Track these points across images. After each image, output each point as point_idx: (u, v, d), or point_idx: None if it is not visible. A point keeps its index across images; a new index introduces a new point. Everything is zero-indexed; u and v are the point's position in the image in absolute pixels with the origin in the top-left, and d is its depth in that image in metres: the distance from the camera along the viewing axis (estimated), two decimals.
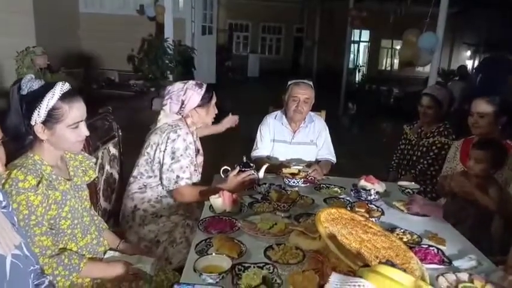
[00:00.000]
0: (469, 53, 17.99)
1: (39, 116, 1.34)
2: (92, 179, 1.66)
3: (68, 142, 1.42)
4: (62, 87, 1.38)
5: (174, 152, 1.92)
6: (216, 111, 2.15)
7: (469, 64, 17.98)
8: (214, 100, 2.11)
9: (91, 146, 1.83)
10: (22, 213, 1.25)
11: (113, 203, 2.09)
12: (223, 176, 2.11)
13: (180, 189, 1.94)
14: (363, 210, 1.64)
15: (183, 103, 2.01)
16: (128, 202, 2.01)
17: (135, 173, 2.02)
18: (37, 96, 1.34)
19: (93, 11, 9.54)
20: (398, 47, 18.05)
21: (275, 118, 2.70)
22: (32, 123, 1.35)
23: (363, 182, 2.11)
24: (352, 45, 12.04)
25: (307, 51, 14.52)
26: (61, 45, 8.23)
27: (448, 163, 2.41)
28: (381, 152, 5.71)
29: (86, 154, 1.66)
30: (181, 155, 1.92)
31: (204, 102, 2.05)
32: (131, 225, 1.99)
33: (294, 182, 2.07)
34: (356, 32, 11.92)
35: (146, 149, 1.99)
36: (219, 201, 1.75)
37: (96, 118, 1.98)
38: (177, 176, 1.92)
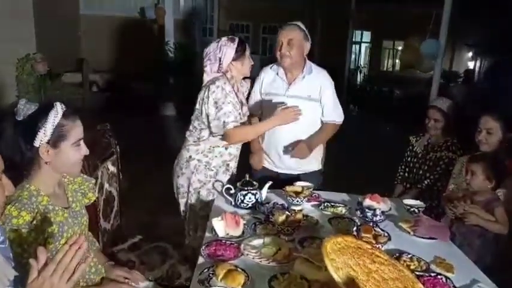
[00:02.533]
0: (470, 54, 17.90)
1: (45, 135, 1.33)
2: (91, 201, 1.62)
3: (70, 162, 1.41)
4: (62, 106, 1.38)
5: (216, 101, 2.11)
6: (252, 62, 2.30)
7: (471, 65, 17.93)
8: (248, 52, 2.26)
9: (90, 166, 1.79)
10: (15, 251, 1.21)
11: (111, 221, 2.04)
12: (226, 196, 2.07)
13: (228, 132, 2.12)
14: (369, 236, 1.59)
15: (220, 60, 2.19)
16: (184, 152, 2.29)
17: (190, 127, 2.28)
18: (39, 117, 1.34)
19: (93, 13, 9.51)
20: (399, 48, 18.12)
21: (271, 68, 2.48)
22: (36, 144, 1.33)
23: (368, 202, 2.06)
24: (354, 46, 12.02)
25: (308, 52, 14.46)
26: (61, 48, 8.19)
27: (454, 179, 2.37)
28: (385, 158, 5.68)
29: (85, 176, 1.62)
30: (222, 103, 2.12)
31: (238, 54, 2.21)
32: (184, 172, 2.27)
33: (297, 201, 2.02)
34: (357, 32, 11.90)
35: (196, 105, 2.22)
36: (221, 223, 1.70)
37: (95, 135, 1.93)
38: (224, 122, 2.10)
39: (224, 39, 2.24)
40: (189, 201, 2.33)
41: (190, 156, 2.27)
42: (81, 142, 1.44)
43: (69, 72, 8.07)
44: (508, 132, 2.14)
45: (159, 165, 4.56)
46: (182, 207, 2.40)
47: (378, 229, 1.71)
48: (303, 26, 2.36)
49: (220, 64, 2.21)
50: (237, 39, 2.24)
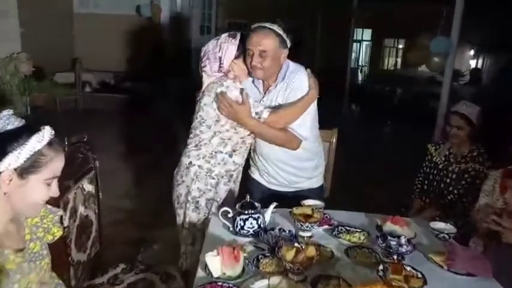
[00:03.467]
0: (472, 52, 17.60)
1: (17, 159, 1.07)
2: (55, 238, 1.31)
3: (31, 200, 1.14)
4: (50, 132, 1.13)
5: (236, 101, 1.89)
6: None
7: (473, 64, 17.65)
8: None
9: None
10: None
11: (88, 251, 1.74)
12: (222, 220, 1.77)
13: (268, 120, 1.93)
14: (399, 278, 1.29)
15: (220, 59, 1.96)
16: (184, 159, 2.07)
17: (191, 135, 2.06)
18: (17, 137, 1.08)
19: (87, 11, 9.19)
20: (401, 46, 17.80)
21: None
22: (1, 169, 1.06)
23: (389, 226, 1.77)
24: (355, 44, 11.70)
25: (309, 50, 14.15)
26: (55, 47, 7.88)
27: (485, 197, 2.06)
28: (395, 165, 5.38)
29: (50, 207, 1.31)
30: (240, 99, 1.90)
31: (240, 51, 1.98)
32: (184, 180, 2.05)
33: (307, 227, 1.71)
34: (358, 30, 11.58)
35: (198, 112, 2.01)
36: (217, 260, 1.40)
37: (68, 151, 1.62)
38: (256, 113, 1.92)
39: (224, 35, 2.00)
40: (187, 211, 2.07)
41: (190, 162, 2.05)
42: (55, 181, 1.17)
43: (61, 72, 7.79)
44: None
45: (149, 176, 4.31)
46: (179, 221, 2.13)
47: (408, 267, 1.40)
48: (279, 30, 1.95)
49: (221, 63, 1.97)
50: (238, 35, 1.99)
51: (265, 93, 2.08)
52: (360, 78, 13.88)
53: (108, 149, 5.13)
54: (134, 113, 7.37)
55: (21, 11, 5.68)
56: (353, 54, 12.42)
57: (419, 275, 1.37)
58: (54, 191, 1.18)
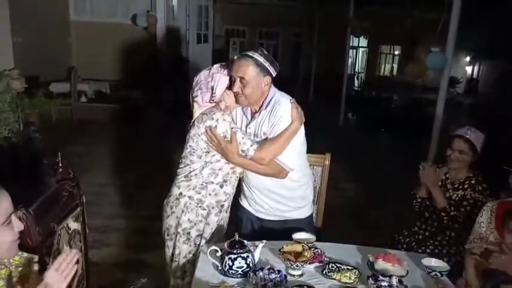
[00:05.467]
0: (468, 59, 17.64)
1: None
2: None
3: (4, 246, 1.15)
4: None
5: (225, 136, 1.92)
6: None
7: (469, 70, 17.68)
8: None
9: (42, 234, 1.44)
10: None
11: None
12: (210, 258, 1.73)
13: (255, 158, 1.94)
14: None
15: (213, 89, 1.97)
16: (174, 190, 2.06)
17: (181, 164, 2.06)
18: None
19: (83, 19, 9.16)
20: (397, 52, 17.83)
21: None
22: None
23: (380, 264, 1.74)
24: (351, 50, 11.70)
25: (306, 57, 14.16)
26: (51, 56, 7.85)
27: (479, 229, 2.02)
28: (390, 173, 5.34)
29: (24, 253, 1.28)
30: (229, 134, 1.92)
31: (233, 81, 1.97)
32: (174, 211, 2.04)
33: (297, 266, 1.68)
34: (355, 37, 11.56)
35: (188, 142, 2.02)
36: None
37: (51, 191, 1.59)
38: (242, 151, 1.93)
39: (216, 66, 2.03)
40: (177, 243, 2.05)
41: (180, 193, 2.03)
42: (12, 217, 1.17)
43: (57, 81, 7.76)
44: None
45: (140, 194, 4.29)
46: (169, 253, 2.11)
47: None
48: (259, 58, 1.93)
49: (213, 93, 1.97)
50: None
51: (251, 118, 2.08)
52: (356, 84, 13.88)
53: (100, 162, 5.12)
54: (129, 123, 7.35)
55: (14, 20, 5.63)
56: (349, 61, 12.43)
57: None
58: (17, 225, 1.19)
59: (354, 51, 16.71)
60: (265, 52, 1.98)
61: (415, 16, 8.14)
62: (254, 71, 1.93)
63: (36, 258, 1.30)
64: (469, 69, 17.68)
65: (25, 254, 1.27)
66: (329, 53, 13.11)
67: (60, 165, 1.74)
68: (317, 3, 12.91)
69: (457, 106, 9.44)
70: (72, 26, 9.25)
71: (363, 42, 17.06)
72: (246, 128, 2.08)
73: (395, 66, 17.97)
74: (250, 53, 1.95)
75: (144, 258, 3.10)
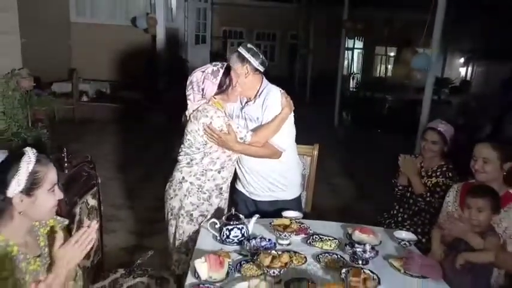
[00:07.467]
0: (462, 60, 17.97)
1: (19, 184, 1.29)
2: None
3: (45, 208, 1.38)
4: (33, 151, 1.34)
5: (221, 130, 2.11)
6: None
7: (463, 71, 18.00)
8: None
9: (68, 204, 1.71)
10: None
11: (91, 258, 1.96)
12: (210, 230, 2.00)
13: (252, 142, 2.19)
14: (358, 279, 1.52)
15: (203, 91, 2.15)
16: (176, 174, 2.27)
17: (182, 152, 2.25)
18: (10, 166, 1.30)
19: (84, 21, 9.39)
20: (392, 54, 18.12)
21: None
22: (10, 195, 1.29)
23: (357, 235, 2.01)
24: (346, 52, 11.94)
25: (302, 58, 14.43)
26: (52, 57, 8.08)
27: (447, 208, 2.29)
28: (381, 171, 5.59)
29: (58, 217, 1.54)
30: (224, 128, 2.11)
31: (222, 89, 2.18)
32: (177, 193, 2.24)
33: (285, 236, 1.95)
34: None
35: (186, 136, 2.20)
36: (204, 266, 1.63)
37: (74, 170, 1.85)
38: (240, 138, 2.16)
39: (208, 71, 2.17)
40: (180, 224, 2.28)
41: (183, 178, 2.25)
42: (56, 186, 1.40)
43: (58, 81, 7.99)
44: (506, 161, 2.05)
45: (146, 181, 4.54)
46: (172, 231, 2.34)
47: (367, 271, 1.64)
48: (242, 51, 2.22)
49: (203, 95, 2.18)
50: (220, 73, 2.15)
51: (247, 103, 2.34)
52: (351, 85, 14.15)
53: (104, 159, 5.36)
54: (130, 122, 7.58)
55: (21, 24, 5.87)
56: (345, 62, 12.69)
57: (375, 277, 1.61)
58: (59, 194, 1.42)
59: (350, 52, 17.02)
60: (250, 46, 2.25)
61: (407, 18, 8.40)
62: (237, 64, 2.23)
63: (66, 221, 1.56)
64: (462, 70, 18.01)
65: (59, 217, 1.53)
66: (325, 54, 13.36)
67: (65, 160, 1.95)
68: (313, 6, 13.21)
69: (447, 105, 9.76)
70: (73, 28, 9.45)
71: (359, 43, 17.35)
72: (241, 112, 2.35)
73: (389, 67, 18.27)
74: (238, 49, 2.25)
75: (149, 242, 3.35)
